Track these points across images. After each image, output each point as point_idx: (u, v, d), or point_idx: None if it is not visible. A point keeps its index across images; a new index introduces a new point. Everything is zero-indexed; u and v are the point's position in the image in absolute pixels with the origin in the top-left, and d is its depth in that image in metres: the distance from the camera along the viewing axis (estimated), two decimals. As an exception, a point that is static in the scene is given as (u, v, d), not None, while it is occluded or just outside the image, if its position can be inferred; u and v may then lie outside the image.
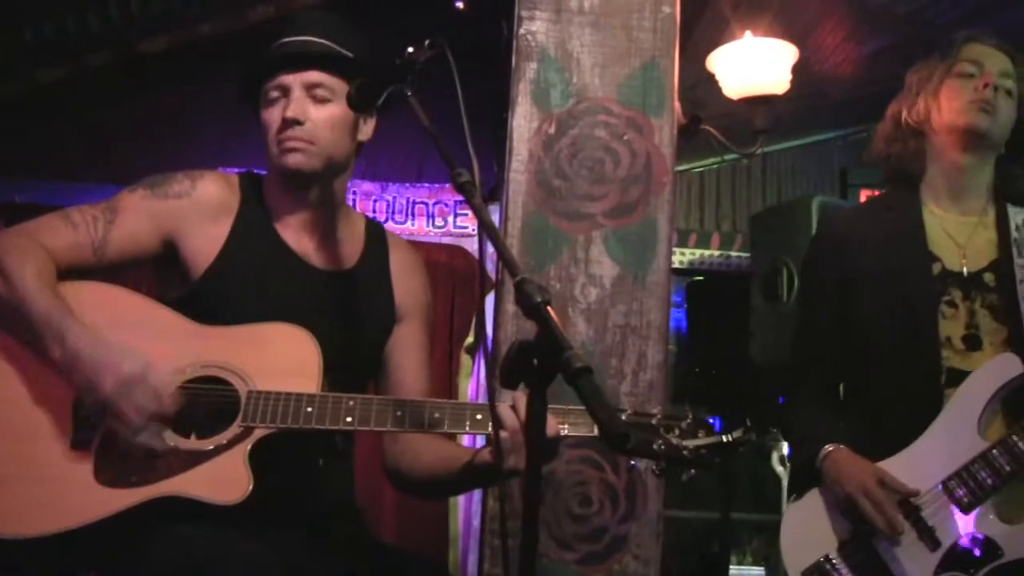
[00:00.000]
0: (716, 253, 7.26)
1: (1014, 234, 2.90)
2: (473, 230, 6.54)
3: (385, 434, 2.76)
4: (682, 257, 7.24)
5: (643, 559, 2.94)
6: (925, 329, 2.84)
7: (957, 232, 2.95)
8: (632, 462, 2.54)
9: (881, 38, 5.62)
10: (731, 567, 7.28)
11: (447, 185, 6.52)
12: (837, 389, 3.12)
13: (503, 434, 2.29)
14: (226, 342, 2.50)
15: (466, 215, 6.79)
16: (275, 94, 2.67)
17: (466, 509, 6.57)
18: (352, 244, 2.82)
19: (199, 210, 2.66)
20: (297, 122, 2.62)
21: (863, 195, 6.91)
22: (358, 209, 6.84)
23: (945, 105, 2.92)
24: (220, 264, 2.63)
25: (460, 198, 6.78)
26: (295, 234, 2.73)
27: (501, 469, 2.32)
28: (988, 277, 2.87)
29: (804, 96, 6.44)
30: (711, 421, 6.90)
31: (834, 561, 2.80)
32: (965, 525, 2.67)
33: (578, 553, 2.93)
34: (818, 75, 6.12)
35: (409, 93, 2.39)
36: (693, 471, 2.39)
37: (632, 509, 2.95)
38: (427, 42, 2.34)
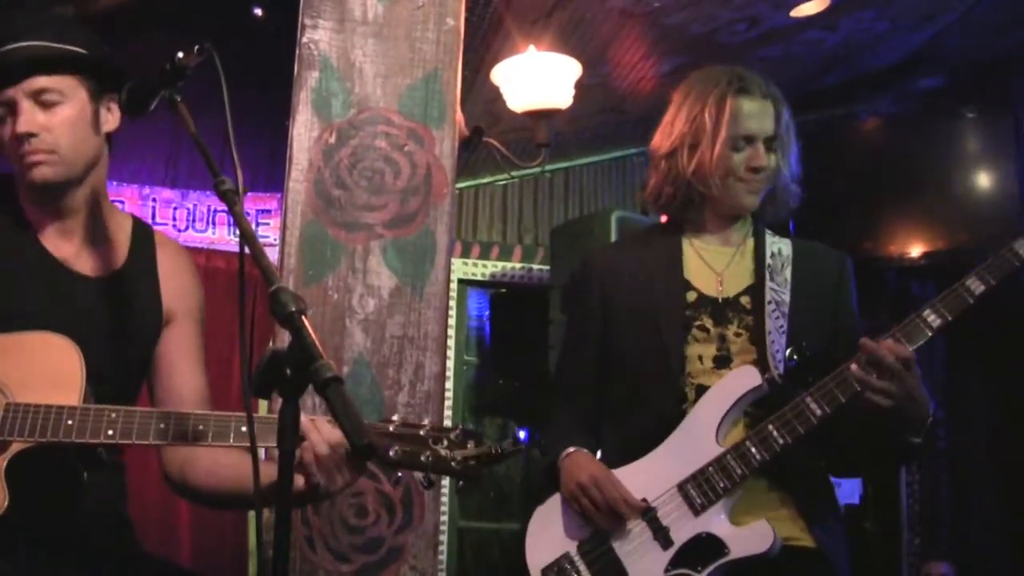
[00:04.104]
0: (518, 266, 7.31)
1: (768, 261, 3.02)
2: (275, 239, 6.49)
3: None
4: (484, 269, 7.27)
5: (420, 570, 2.95)
6: (672, 354, 2.93)
7: (715, 261, 3.06)
8: (399, 473, 2.55)
9: (677, 57, 5.73)
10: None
11: (248, 194, 6.47)
12: (592, 422, 3.17)
13: (309, 458, 2.28)
14: None
15: (268, 224, 6.75)
16: (2, 111, 2.54)
17: (264, 522, 6.51)
18: (117, 246, 2.73)
19: None
20: (31, 135, 2.50)
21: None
22: (158, 217, 6.78)
23: (720, 178, 2.97)
24: None
25: (262, 207, 6.75)
26: (54, 238, 2.63)
27: (309, 490, 2.32)
28: (744, 300, 2.98)
29: (605, 112, 6.55)
30: (519, 432, 6.93)
31: (573, 559, 2.87)
32: (696, 525, 2.77)
33: (355, 564, 2.92)
34: (618, 92, 6.21)
35: (179, 99, 2.34)
36: (462, 482, 2.40)
37: (409, 520, 2.96)
38: (196, 47, 2.30)
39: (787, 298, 2.97)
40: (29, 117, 2.51)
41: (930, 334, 2.74)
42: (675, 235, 3.12)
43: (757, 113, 2.99)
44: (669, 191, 3.06)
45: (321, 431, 2.30)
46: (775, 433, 2.75)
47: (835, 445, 2.92)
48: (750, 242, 3.09)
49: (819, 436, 2.79)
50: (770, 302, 2.94)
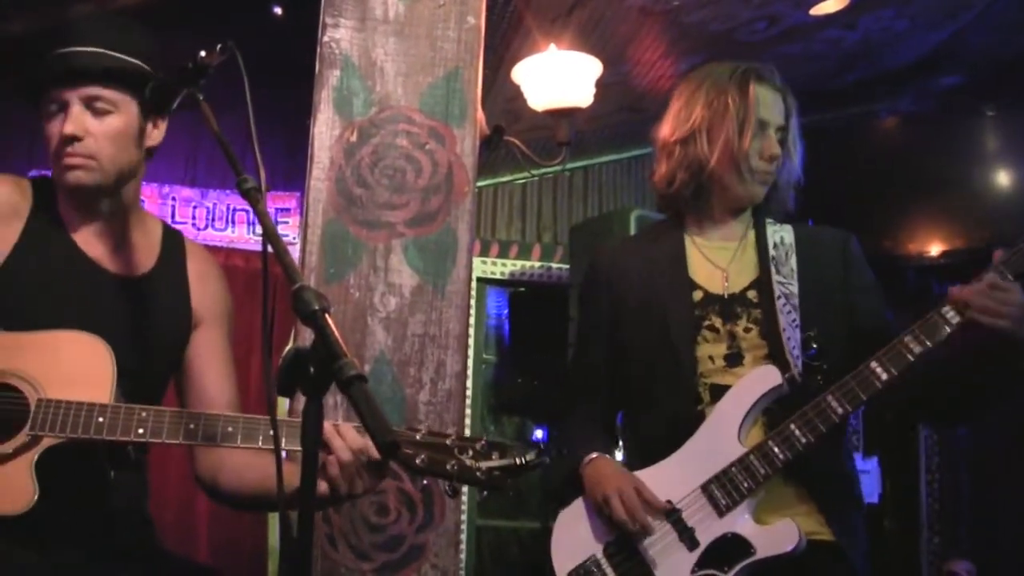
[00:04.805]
0: (537, 264, 7.31)
1: (772, 252, 3.01)
2: (294, 238, 6.50)
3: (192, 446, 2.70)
4: (503, 268, 7.27)
5: (441, 568, 2.95)
6: (683, 355, 2.93)
7: (718, 257, 3.05)
8: (424, 481, 2.55)
9: (696, 55, 5.72)
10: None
11: (269, 192, 6.46)
12: (607, 420, 3.20)
13: (332, 464, 2.29)
14: (17, 349, 2.43)
15: (287, 223, 6.75)
16: (54, 107, 2.58)
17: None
18: (147, 249, 2.77)
19: None
20: (76, 138, 2.54)
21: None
22: (177, 216, 6.79)
23: (734, 164, 2.98)
24: (8, 269, 2.55)
25: (281, 205, 6.76)
26: (89, 240, 2.67)
27: (332, 494, 2.33)
28: (751, 294, 2.98)
29: (624, 110, 6.55)
30: (536, 430, 6.90)
31: (600, 561, 2.87)
32: (722, 526, 2.77)
33: (376, 562, 2.92)
34: (637, 90, 6.20)
35: (201, 97, 2.35)
36: (486, 492, 2.40)
37: (430, 518, 2.96)
38: (219, 46, 2.31)
39: (795, 289, 2.96)
40: (78, 120, 2.55)
41: (948, 331, 2.73)
42: (677, 232, 3.12)
43: (771, 102, 2.99)
44: (684, 177, 3.04)
45: (345, 437, 2.32)
46: (797, 432, 2.74)
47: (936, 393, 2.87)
48: (751, 234, 3.08)
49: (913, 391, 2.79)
50: (779, 296, 2.92)
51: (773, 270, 2.97)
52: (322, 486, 2.30)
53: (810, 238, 3.09)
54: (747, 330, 2.94)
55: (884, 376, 2.72)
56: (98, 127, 2.57)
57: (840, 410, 2.73)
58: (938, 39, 6.06)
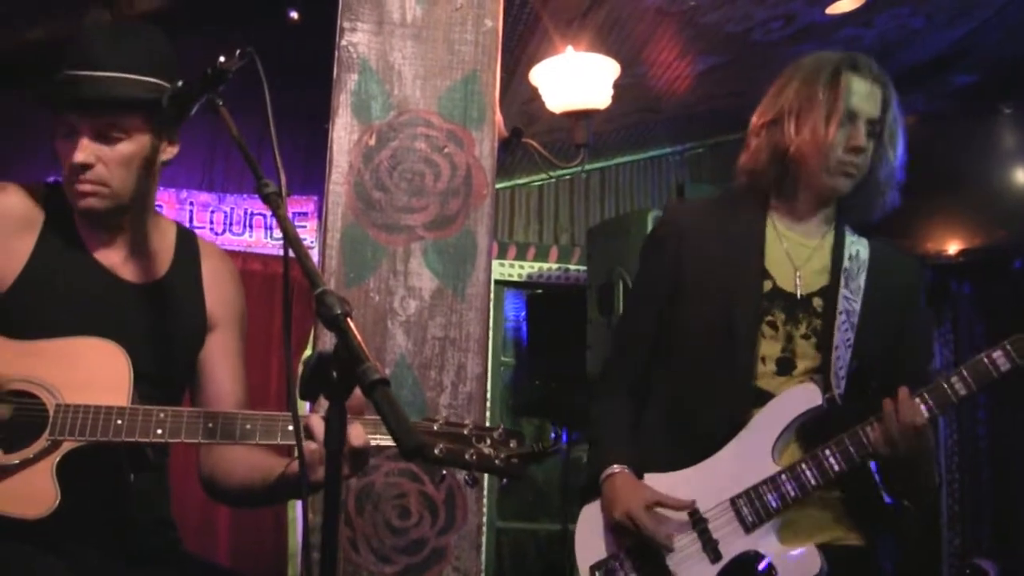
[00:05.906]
0: (554, 266, 7.30)
1: (846, 263, 2.96)
2: (311, 242, 6.51)
3: (201, 445, 2.71)
4: (521, 270, 7.27)
5: (463, 571, 2.96)
6: (743, 345, 2.90)
7: (796, 254, 2.99)
8: (443, 472, 2.55)
9: (712, 56, 5.72)
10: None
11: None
12: (648, 385, 3.11)
13: (312, 445, 2.27)
14: (34, 357, 2.44)
15: (304, 227, 6.75)
16: (64, 129, 2.55)
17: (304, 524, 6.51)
18: (162, 253, 2.76)
19: (1, 224, 2.59)
20: (86, 166, 2.52)
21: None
22: (195, 221, 6.80)
23: (818, 152, 2.91)
24: (24, 279, 2.55)
25: (298, 209, 6.77)
26: (103, 247, 2.66)
27: (308, 481, 2.30)
28: (817, 302, 2.93)
29: (641, 112, 6.54)
30: (555, 431, 6.86)
31: (622, 559, 2.86)
32: (746, 542, 2.78)
33: (398, 565, 2.93)
34: (654, 91, 6.20)
35: (220, 103, 2.35)
36: (505, 480, 2.41)
37: (451, 521, 2.96)
38: (237, 52, 2.31)
39: (858, 307, 2.92)
40: (88, 149, 2.51)
41: (996, 375, 2.72)
42: (761, 212, 3.05)
43: (865, 93, 2.90)
44: (766, 158, 2.97)
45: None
46: (831, 459, 2.75)
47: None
48: (830, 238, 3.02)
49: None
50: (841, 312, 2.89)
51: (842, 282, 2.93)
52: (292, 466, 2.36)
53: (885, 261, 3.04)
54: (804, 337, 2.91)
55: (926, 413, 2.71)
56: (109, 154, 2.54)
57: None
58: (954, 37, 6.04)
